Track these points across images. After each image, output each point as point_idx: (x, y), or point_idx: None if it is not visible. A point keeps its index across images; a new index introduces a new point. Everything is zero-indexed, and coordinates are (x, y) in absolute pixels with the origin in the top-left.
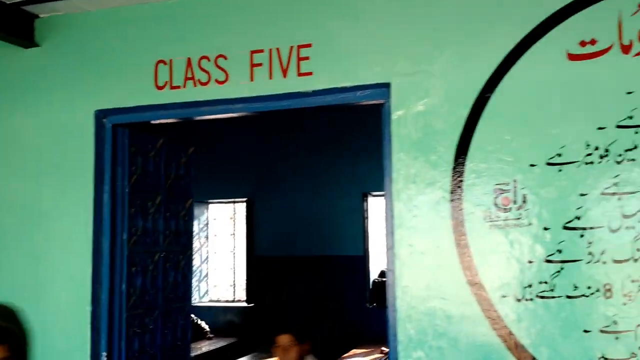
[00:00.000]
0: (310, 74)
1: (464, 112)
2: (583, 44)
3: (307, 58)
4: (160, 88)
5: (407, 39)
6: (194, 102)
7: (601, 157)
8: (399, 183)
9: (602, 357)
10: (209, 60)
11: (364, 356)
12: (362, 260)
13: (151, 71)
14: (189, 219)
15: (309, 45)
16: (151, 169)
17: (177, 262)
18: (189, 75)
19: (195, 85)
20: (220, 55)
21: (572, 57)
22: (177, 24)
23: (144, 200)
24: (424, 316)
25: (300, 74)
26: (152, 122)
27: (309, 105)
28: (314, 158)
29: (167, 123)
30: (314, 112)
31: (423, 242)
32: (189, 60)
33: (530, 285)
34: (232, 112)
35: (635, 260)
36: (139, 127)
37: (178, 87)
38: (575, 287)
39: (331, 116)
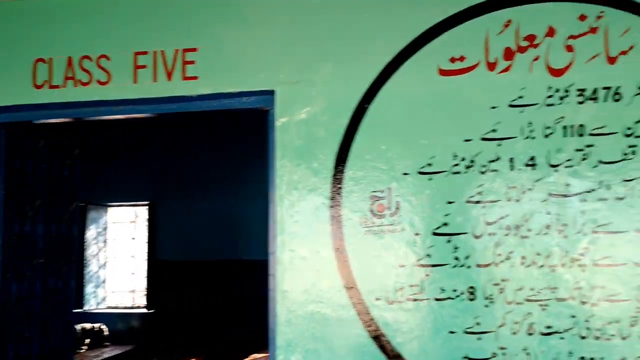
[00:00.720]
0: (195, 78)
1: (344, 122)
2: (453, 60)
3: (192, 62)
4: (38, 87)
5: (292, 48)
6: (74, 102)
7: (467, 167)
8: (281, 189)
9: (466, 357)
10: (91, 60)
11: None
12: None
13: (29, 69)
14: (74, 223)
15: (194, 50)
16: (30, 170)
17: (59, 269)
18: (70, 75)
19: (76, 86)
20: (103, 56)
21: (443, 72)
22: (58, 22)
23: (21, 204)
24: (302, 320)
25: (185, 78)
26: (34, 122)
27: (194, 109)
28: (220, 160)
29: (57, 125)
30: (218, 113)
31: (304, 247)
32: (69, 59)
33: (402, 289)
34: (115, 114)
35: (496, 264)
36: (22, 128)
37: (57, 86)
38: (443, 290)
39: (238, 118)
